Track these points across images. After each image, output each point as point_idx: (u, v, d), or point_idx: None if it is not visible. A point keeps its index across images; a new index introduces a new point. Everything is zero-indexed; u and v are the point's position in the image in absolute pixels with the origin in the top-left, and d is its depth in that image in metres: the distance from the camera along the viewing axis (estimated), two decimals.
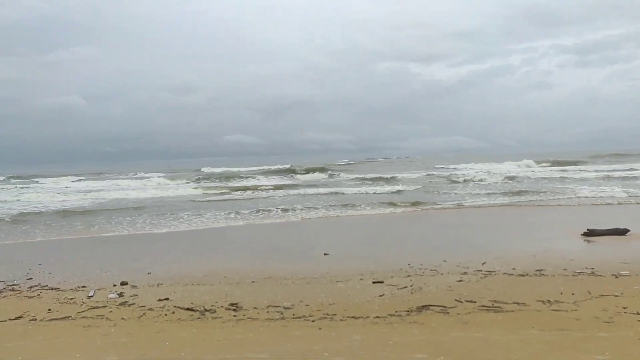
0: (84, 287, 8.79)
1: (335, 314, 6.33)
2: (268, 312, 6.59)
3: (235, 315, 6.49)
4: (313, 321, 6.09)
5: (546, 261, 9.22)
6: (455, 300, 6.82)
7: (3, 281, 9.55)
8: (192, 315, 6.63)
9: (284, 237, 14.32)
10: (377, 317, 6.15)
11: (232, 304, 7.07)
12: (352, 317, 6.18)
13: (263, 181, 41.06)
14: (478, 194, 24.42)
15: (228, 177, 47.86)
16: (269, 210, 19.80)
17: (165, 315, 6.67)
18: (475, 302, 6.70)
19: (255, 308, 6.80)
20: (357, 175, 42.88)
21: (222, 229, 16.02)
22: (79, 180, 50.45)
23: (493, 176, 35.38)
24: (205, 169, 67.76)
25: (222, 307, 6.98)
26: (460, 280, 7.95)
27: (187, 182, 42.55)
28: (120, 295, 8.01)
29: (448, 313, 6.28)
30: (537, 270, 8.52)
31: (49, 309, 7.24)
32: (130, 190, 34.10)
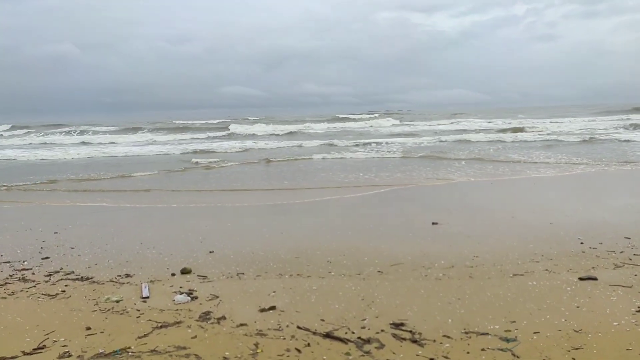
0: (127, 276, 5.94)
1: None
2: (485, 351, 3.70)
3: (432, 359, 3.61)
4: None
5: None
6: None
7: (8, 262, 6.71)
8: (347, 353, 3.75)
9: (352, 205, 11.38)
10: None
11: (395, 325, 4.20)
12: None
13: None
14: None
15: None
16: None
17: (299, 352, 3.79)
18: None
19: (447, 337, 3.92)
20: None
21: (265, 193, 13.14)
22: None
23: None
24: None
25: (382, 331, 4.12)
26: None
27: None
28: (192, 296, 5.15)
29: None
30: None
31: (88, 328, 4.37)
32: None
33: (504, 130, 32.73)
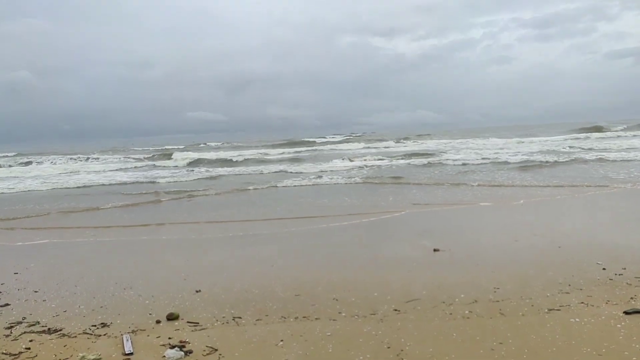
0: (104, 325, 5.08)
1: None
2: None
3: None
4: None
5: None
6: None
7: None
8: None
9: (341, 233, 10.68)
10: None
11: None
12: None
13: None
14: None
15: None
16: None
17: None
18: None
19: None
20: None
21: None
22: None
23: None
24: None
25: None
26: None
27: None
28: (185, 350, 4.34)
29: None
30: None
31: None
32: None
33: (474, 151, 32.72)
